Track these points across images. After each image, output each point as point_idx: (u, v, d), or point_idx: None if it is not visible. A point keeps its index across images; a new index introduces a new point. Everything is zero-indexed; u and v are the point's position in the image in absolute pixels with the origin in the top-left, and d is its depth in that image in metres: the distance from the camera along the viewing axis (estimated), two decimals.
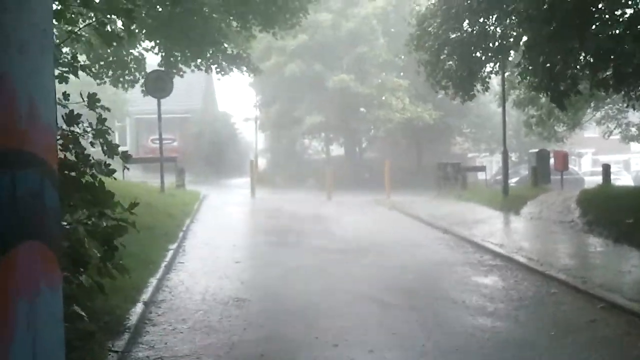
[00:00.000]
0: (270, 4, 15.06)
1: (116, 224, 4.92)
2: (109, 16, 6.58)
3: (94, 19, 6.40)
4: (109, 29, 6.43)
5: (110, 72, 16.51)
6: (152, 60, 17.81)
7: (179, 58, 16.50)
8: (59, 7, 5.49)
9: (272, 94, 36.45)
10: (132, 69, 16.80)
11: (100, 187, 4.90)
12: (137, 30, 12.70)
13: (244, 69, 17.83)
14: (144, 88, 18.01)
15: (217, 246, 11.04)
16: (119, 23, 6.87)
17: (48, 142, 3.10)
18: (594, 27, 12.18)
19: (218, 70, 17.22)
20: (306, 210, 18.00)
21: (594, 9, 12.25)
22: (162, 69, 17.30)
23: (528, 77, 14.20)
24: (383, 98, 33.27)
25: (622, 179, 35.12)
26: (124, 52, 16.25)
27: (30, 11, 2.78)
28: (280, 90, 34.97)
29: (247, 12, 15.35)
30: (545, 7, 11.75)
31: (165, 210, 13.68)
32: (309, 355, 5.69)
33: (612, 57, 11.56)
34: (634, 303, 7.13)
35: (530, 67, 13.71)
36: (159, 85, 17.74)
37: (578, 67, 12.93)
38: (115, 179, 5.77)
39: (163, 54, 16.30)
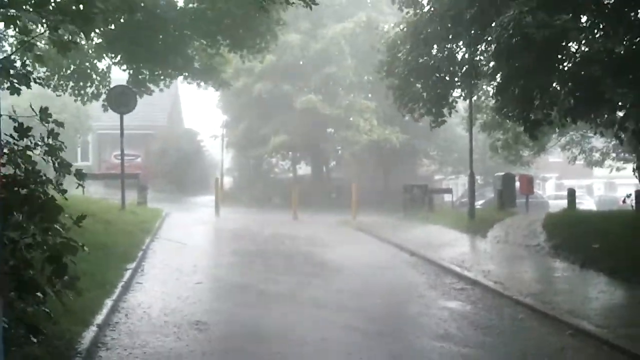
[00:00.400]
0: (237, 25, 14.87)
1: (65, 241, 4.60)
2: (62, 21, 6.28)
3: (46, 27, 6.11)
4: (64, 38, 6.11)
5: (71, 84, 16.08)
6: (120, 76, 17.42)
7: (147, 76, 16.18)
8: (12, 13, 5.19)
9: (239, 113, 36.21)
10: (96, 81, 16.40)
11: (47, 200, 4.58)
12: (97, 40, 12.31)
13: (211, 83, 17.48)
14: (105, 103, 17.53)
15: (177, 267, 10.67)
16: (73, 30, 6.59)
17: None
18: (569, 64, 12.40)
19: (185, 77, 16.83)
20: (271, 230, 17.70)
21: (564, 44, 12.45)
22: (126, 85, 16.94)
23: (499, 104, 14.27)
24: (351, 119, 33.23)
25: (585, 203, 35.56)
26: (88, 65, 15.87)
27: None
28: (247, 110, 34.76)
29: (215, 32, 15.16)
30: (518, 39, 11.77)
31: (125, 228, 13.25)
32: None
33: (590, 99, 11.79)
34: (602, 330, 7.04)
35: (500, 98, 13.85)
36: (122, 101, 17.26)
37: (550, 100, 13.04)
38: (65, 198, 5.45)
39: (130, 71, 15.96)
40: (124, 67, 15.84)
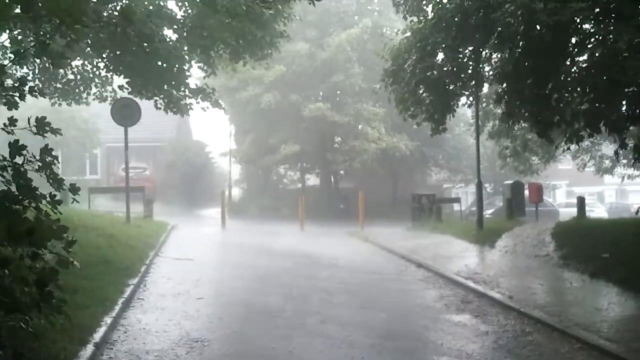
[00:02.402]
0: (239, 37, 14.72)
1: (51, 267, 4.48)
2: (55, 29, 6.15)
3: (35, 36, 5.99)
4: (58, 50, 5.98)
5: (68, 89, 15.92)
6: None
7: (146, 92, 15.88)
8: None
9: (247, 123, 36.19)
10: (98, 85, 16.23)
11: (36, 224, 4.47)
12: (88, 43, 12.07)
13: (207, 103, 17.04)
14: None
15: (180, 282, 10.53)
16: (68, 42, 6.43)
17: None
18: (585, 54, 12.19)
19: (175, 110, 16.36)
20: (277, 242, 17.58)
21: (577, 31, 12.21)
22: (129, 96, 16.78)
23: (507, 107, 13.99)
24: (359, 127, 33.18)
25: (596, 211, 35.25)
26: (88, 69, 15.70)
27: None
28: (255, 120, 34.74)
29: (210, 46, 14.96)
30: (527, 28, 11.55)
31: (128, 242, 13.13)
32: None
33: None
34: (612, 343, 6.85)
35: (507, 99, 13.62)
36: (126, 113, 17.23)
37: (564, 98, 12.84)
38: (60, 212, 5.34)
39: (128, 80, 15.69)
40: (122, 77, 15.54)
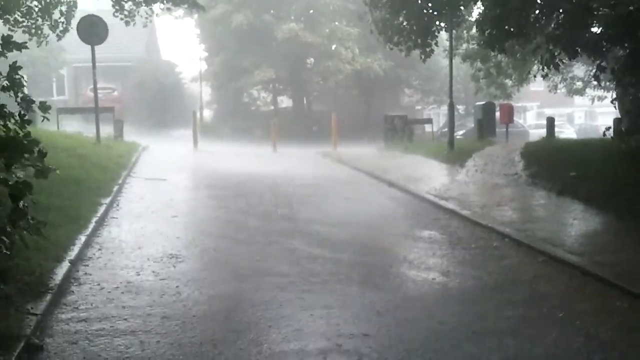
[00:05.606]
0: None
1: (24, 180, 4.44)
2: None
3: None
4: None
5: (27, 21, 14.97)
6: (86, 6, 16.41)
7: None
8: None
9: (218, 44, 35.39)
10: (61, 13, 15.38)
11: (9, 138, 4.40)
12: None
13: (186, 5, 16.34)
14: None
15: (153, 201, 10.55)
16: None
17: None
18: None
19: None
20: (249, 162, 17.58)
21: None
22: (95, 15, 16.15)
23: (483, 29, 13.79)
24: (333, 48, 32.74)
25: (565, 132, 35.76)
26: None
27: None
28: (226, 41, 33.97)
29: None
30: None
31: (100, 162, 12.99)
32: (245, 314, 5.43)
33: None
34: (575, 256, 7.11)
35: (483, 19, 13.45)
36: (92, 31, 16.70)
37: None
38: (29, 132, 5.25)
39: None
40: None
